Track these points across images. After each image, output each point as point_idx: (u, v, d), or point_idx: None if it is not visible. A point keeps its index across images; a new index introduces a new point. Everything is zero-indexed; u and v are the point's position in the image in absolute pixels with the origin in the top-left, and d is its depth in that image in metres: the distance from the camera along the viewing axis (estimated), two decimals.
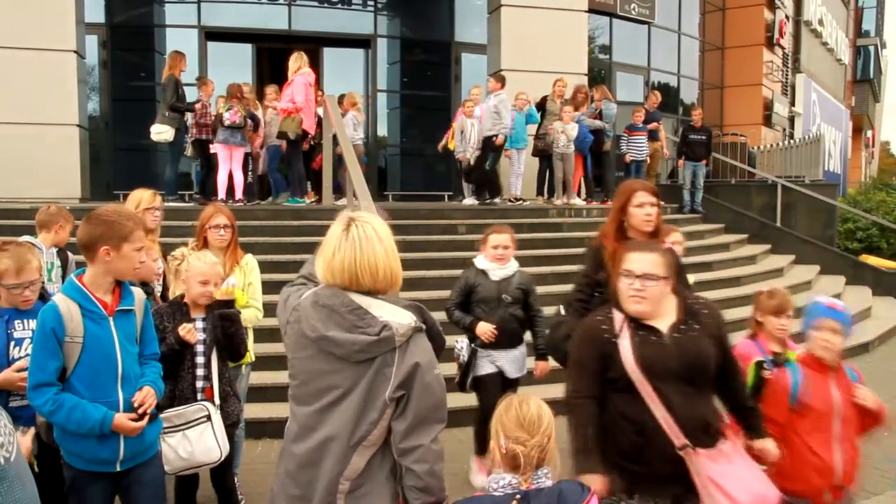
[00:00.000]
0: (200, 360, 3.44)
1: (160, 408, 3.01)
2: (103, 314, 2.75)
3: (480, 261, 4.72)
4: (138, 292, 2.95)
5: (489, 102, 10.20)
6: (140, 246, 2.81)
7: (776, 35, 19.15)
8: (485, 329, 4.54)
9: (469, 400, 6.06)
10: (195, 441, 3.25)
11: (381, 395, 2.13)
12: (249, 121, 9.54)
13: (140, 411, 2.79)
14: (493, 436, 2.15)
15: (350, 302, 2.16)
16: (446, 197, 11.10)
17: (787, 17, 20.11)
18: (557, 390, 3.37)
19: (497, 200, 10.33)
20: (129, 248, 2.75)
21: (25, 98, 9.81)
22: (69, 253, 4.93)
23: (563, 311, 4.08)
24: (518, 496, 2.03)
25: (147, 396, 2.83)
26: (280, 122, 9.39)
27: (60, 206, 5.10)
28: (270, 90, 10.23)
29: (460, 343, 4.76)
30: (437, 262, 8.02)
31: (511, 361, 4.71)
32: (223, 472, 3.67)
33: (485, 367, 4.67)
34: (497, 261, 4.62)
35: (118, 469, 2.81)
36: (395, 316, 2.14)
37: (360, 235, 2.17)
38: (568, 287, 8.35)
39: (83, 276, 2.78)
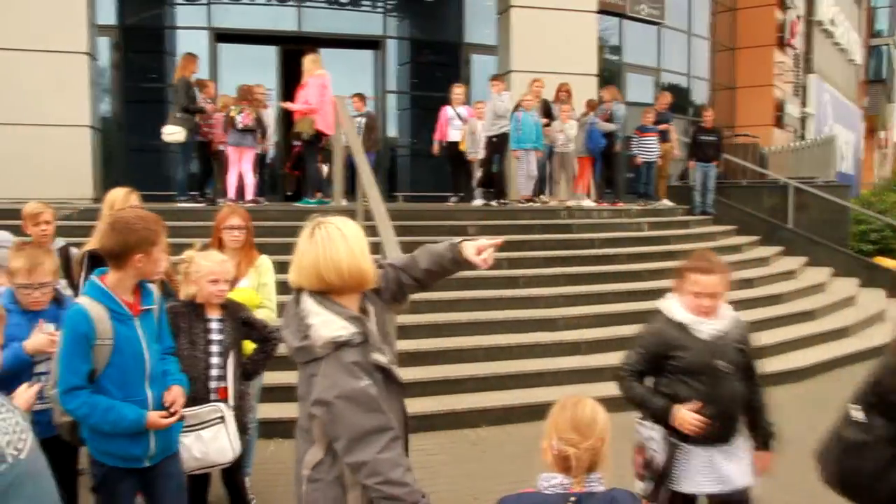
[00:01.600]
0: (216, 360, 3.43)
1: None
2: (129, 315, 2.81)
3: (677, 309, 3.13)
4: (155, 290, 3.00)
5: (488, 104, 10.38)
6: (163, 246, 2.89)
7: (787, 35, 19.06)
8: (686, 419, 2.97)
9: (480, 402, 6.08)
10: (209, 441, 3.25)
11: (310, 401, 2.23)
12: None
13: (172, 410, 2.88)
14: (545, 435, 2.12)
15: (295, 305, 2.30)
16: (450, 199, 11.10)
17: (798, 17, 20.00)
18: None
19: (496, 203, 10.35)
20: (157, 251, 2.84)
21: (38, 99, 9.86)
22: (73, 249, 4.83)
23: (855, 415, 2.18)
24: (572, 499, 1.99)
25: (177, 395, 2.93)
26: (296, 123, 9.51)
27: (34, 203, 4.97)
28: (258, 90, 10.25)
29: (649, 431, 3.14)
30: None
31: (734, 461, 3.09)
32: (234, 472, 3.68)
33: (694, 478, 3.05)
34: (702, 314, 3.07)
35: (146, 465, 2.90)
36: (324, 326, 2.19)
37: (323, 236, 2.26)
38: (580, 289, 8.37)
39: (105, 278, 2.82)
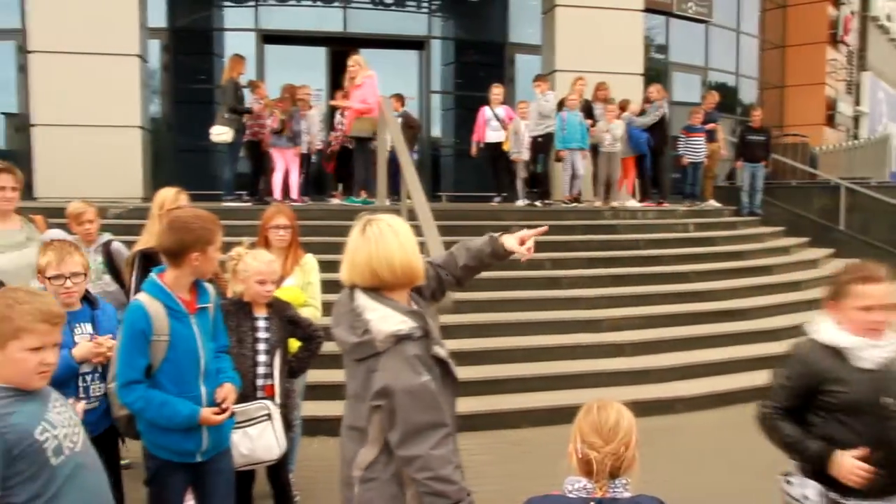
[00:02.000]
0: (262, 358, 3.48)
1: None
2: (186, 312, 2.88)
3: (831, 331, 2.62)
4: (211, 289, 3.06)
5: (532, 105, 10.38)
6: (219, 246, 2.96)
7: (840, 32, 18.55)
8: (850, 469, 2.48)
9: (523, 402, 6.06)
10: (256, 438, 3.30)
11: (369, 397, 2.23)
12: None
13: (223, 406, 2.94)
14: (571, 438, 2.11)
15: (349, 302, 2.30)
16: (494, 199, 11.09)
17: (852, 13, 19.47)
18: None
19: (540, 203, 10.31)
20: (212, 251, 2.91)
21: (90, 101, 10.10)
22: (117, 243, 4.93)
23: None
24: (593, 503, 1.98)
25: (229, 392, 2.99)
26: (352, 122, 9.62)
27: (77, 202, 5.06)
28: (303, 91, 10.30)
29: (802, 489, 2.65)
30: None
31: None
32: (279, 469, 3.71)
33: None
34: (870, 332, 2.55)
35: (199, 460, 2.97)
36: (383, 321, 2.21)
37: (375, 233, 2.29)
38: (624, 290, 8.28)
39: (163, 276, 2.89)
